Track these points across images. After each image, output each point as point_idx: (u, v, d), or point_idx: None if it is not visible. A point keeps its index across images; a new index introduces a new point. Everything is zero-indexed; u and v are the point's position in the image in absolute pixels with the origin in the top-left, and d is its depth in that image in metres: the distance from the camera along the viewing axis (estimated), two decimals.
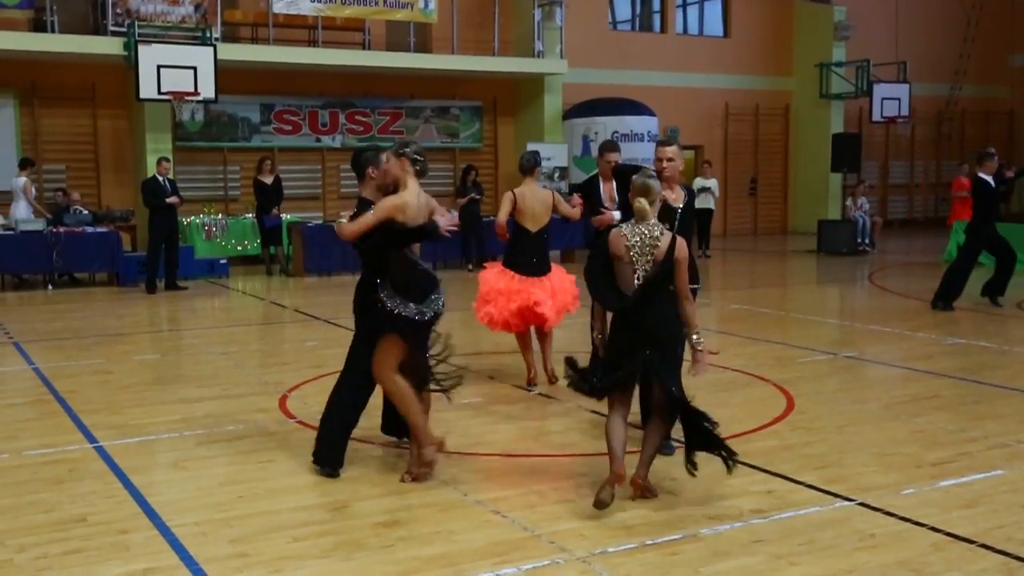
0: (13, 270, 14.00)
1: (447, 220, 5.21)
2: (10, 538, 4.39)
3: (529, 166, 7.45)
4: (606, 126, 18.96)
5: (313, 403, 6.90)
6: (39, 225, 14.02)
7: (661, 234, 4.73)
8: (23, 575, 3.99)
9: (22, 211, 14.61)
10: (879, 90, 22.06)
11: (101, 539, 4.38)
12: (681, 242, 4.78)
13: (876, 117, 22.24)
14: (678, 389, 4.78)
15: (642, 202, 4.75)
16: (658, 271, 4.69)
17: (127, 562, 4.12)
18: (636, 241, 4.73)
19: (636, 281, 4.73)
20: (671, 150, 5.60)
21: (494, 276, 7.39)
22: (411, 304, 5.05)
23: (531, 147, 16.51)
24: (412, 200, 5.08)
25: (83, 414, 6.64)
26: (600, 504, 4.52)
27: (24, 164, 15.01)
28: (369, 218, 5.06)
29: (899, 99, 22.10)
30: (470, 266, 16.00)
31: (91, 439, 6.03)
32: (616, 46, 21.72)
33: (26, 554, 4.20)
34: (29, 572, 4.02)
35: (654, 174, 4.91)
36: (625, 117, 19.24)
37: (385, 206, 5.06)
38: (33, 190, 14.94)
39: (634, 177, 4.84)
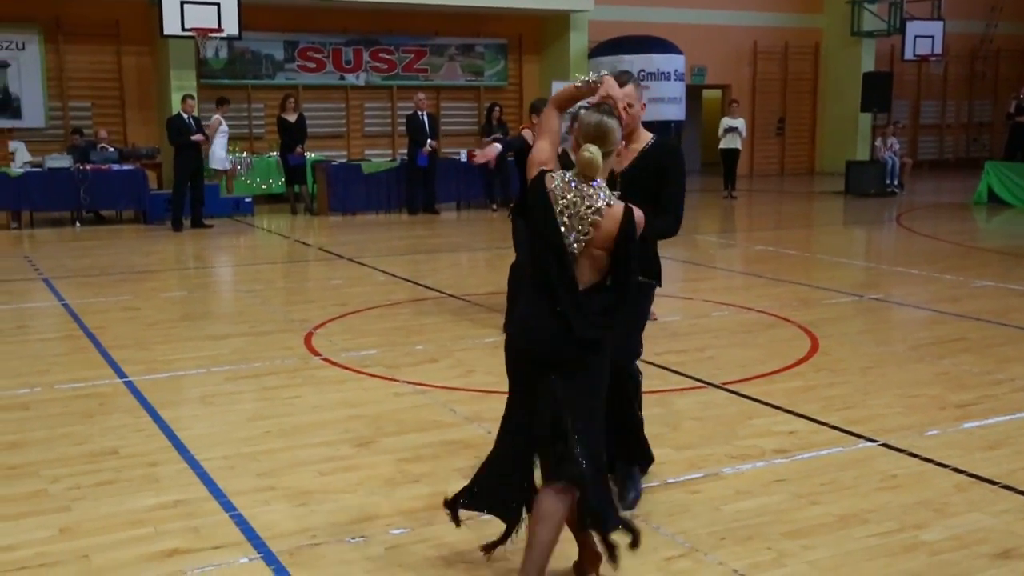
0: (42, 207, 14.09)
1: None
2: (44, 469, 4.48)
3: (542, 106, 7.37)
4: (632, 64, 18.69)
5: (338, 340, 6.97)
6: (66, 162, 14.07)
7: (609, 205, 3.15)
8: (57, 504, 4.08)
9: (218, 150, 15.07)
10: (912, 27, 21.61)
11: (132, 471, 4.47)
12: (639, 214, 3.20)
13: (908, 55, 21.82)
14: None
15: (592, 151, 3.16)
16: (629, 265, 3.17)
17: (158, 494, 4.20)
18: (570, 200, 3.17)
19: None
20: (627, 92, 3.77)
21: None
22: None
23: (556, 86, 16.35)
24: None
25: (112, 349, 6.73)
26: None
27: (220, 102, 15.47)
28: None
29: (932, 37, 21.65)
30: (494, 206, 15.96)
31: (120, 374, 6.12)
32: None
33: (59, 484, 4.30)
34: (63, 502, 4.11)
35: (611, 110, 3.28)
36: (652, 55, 18.95)
37: None
38: (223, 127, 15.27)
39: (583, 111, 3.28)
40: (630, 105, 3.81)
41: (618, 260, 3.17)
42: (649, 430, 4.36)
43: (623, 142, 3.47)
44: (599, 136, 3.20)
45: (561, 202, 3.17)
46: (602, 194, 3.17)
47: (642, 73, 18.73)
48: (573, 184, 3.18)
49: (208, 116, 15.37)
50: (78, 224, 14.15)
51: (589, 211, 3.14)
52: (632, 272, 3.20)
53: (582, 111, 3.29)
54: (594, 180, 3.19)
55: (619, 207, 3.16)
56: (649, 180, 3.93)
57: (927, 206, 16.72)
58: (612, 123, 3.23)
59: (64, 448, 4.77)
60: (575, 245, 3.16)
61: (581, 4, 18.88)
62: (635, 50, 18.97)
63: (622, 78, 3.84)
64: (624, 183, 3.88)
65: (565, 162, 4.46)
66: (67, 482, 4.33)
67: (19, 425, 5.13)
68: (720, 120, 18.23)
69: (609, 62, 18.40)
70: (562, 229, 3.16)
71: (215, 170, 15.37)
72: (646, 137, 4.05)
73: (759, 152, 23.49)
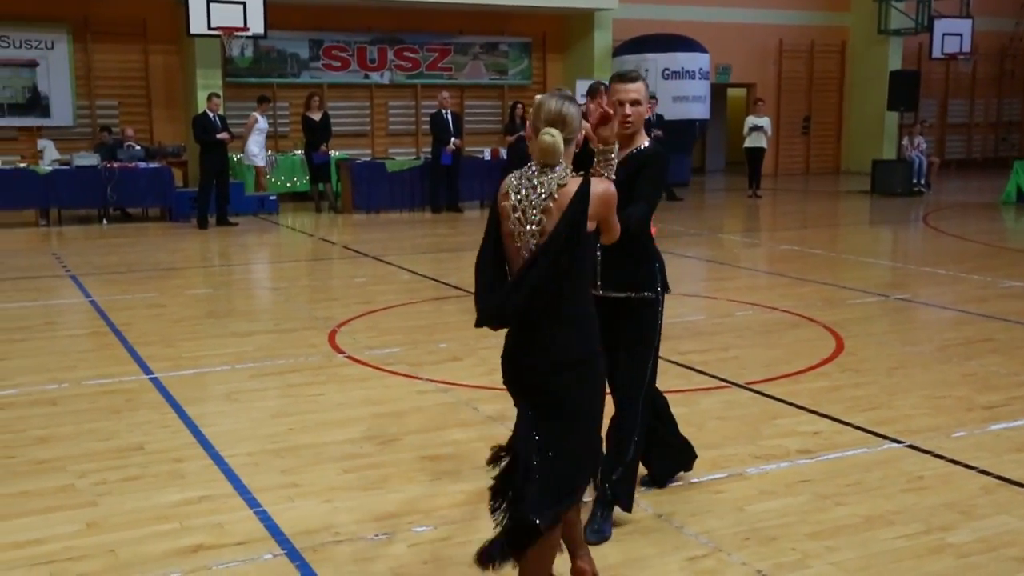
0: (69, 204, 14.22)
1: None
2: (72, 464, 4.53)
3: (599, 89, 7.35)
4: (657, 63, 18.67)
5: (362, 338, 7.00)
6: (93, 160, 14.20)
7: (562, 185, 2.87)
8: (84, 499, 4.12)
9: (251, 146, 15.19)
10: (940, 25, 21.42)
11: (158, 467, 4.50)
12: (601, 183, 2.95)
13: (936, 54, 21.63)
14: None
15: (552, 134, 2.87)
16: (553, 235, 2.83)
17: (183, 489, 4.23)
18: (523, 194, 2.91)
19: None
20: (636, 88, 3.74)
21: None
22: None
23: (580, 84, 16.34)
24: None
25: (138, 346, 6.78)
26: None
27: (260, 100, 15.63)
28: None
29: (961, 35, 21.45)
30: None
31: (146, 370, 6.17)
32: None
33: (87, 479, 4.34)
34: (90, 496, 4.15)
35: (571, 96, 3.01)
36: (676, 54, 18.91)
37: None
38: (260, 124, 15.37)
39: (542, 97, 3.01)
40: (637, 103, 3.72)
41: (550, 237, 2.83)
42: None
43: (616, 145, 3.30)
44: (560, 121, 2.90)
45: (514, 198, 2.91)
46: (555, 179, 2.87)
47: (667, 71, 18.69)
48: (525, 176, 2.94)
49: (234, 115, 15.47)
50: (105, 222, 14.28)
51: (540, 198, 2.87)
52: (548, 253, 2.81)
53: (539, 97, 3.02)
54: (555, 167, 2.90)
55: (573, 184, 2.86)
56: (631, 184, 3.65)
57: (954, 205, 16.57)
58: (572, 109, 2.95)
59: (91, 444, 4.82)
60: (531, 242, 2.88)
61: (605, 2, 18.85)
62: (659, 48, 18.94)
63: (631, 75, 3.79)
64: (630, 181, 3.67)
65: (521, 153, 4.27)
66: (94, 477, 4.37)
67: (47, 420, 5.19)
68: (745, 119, 18.15)
69: (634, 60, 18.38)
70: (513, 228, 2.91)
71: (250, 165, 15.47)
72: (643, 142, 3.82)
73: (784, 151, 23.36)
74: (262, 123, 15.35)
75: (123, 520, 3.91)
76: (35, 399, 5.58)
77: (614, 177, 3.23)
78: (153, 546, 3.67)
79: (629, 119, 3.72)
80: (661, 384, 4.21)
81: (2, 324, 7.62)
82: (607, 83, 4.09)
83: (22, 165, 14.36)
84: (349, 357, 6.50)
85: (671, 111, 17.79)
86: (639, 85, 3.76)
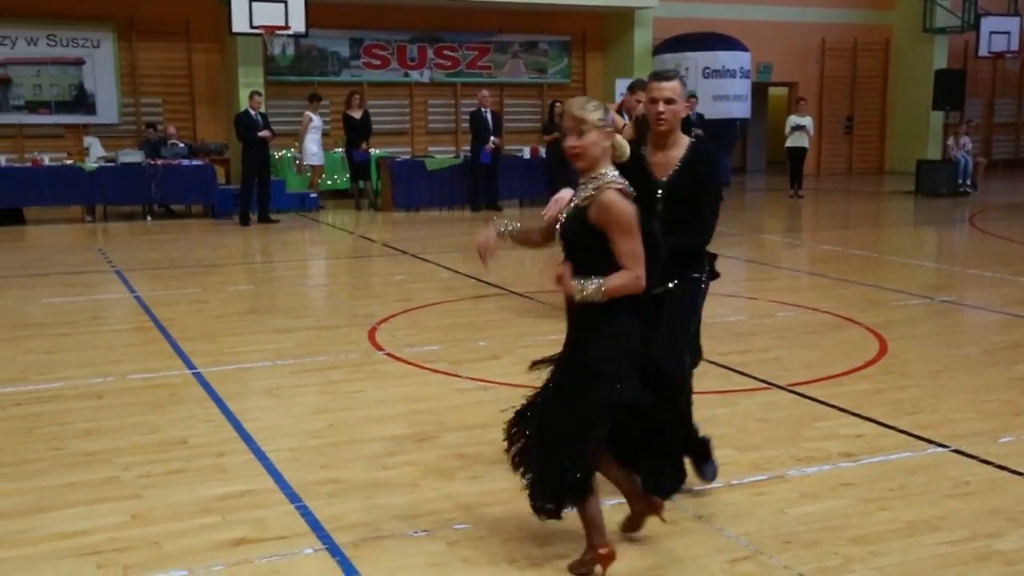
0: (114, 201, 14.43)
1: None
2: (116, 456, 4.59)
3: (640, 86, 7.35)
4: (697, 62, 18.56)
5: (401, 336, 7.03)
6: (138, 157, 14.40)
7: (595, 191, 3.19)
8: (129, 491, 4.18)
9: (311, 145, 15.31)
10: (987, 23, 21.09)
11: (200, 461, 4.55)
12: (613, 196, 3.14)
13: (983, 52, 21.30)
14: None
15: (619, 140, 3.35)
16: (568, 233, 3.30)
17: (225, 483, 4.27)
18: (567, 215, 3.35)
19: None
20: (671, 87, 3.79)
21: None
22: None
23: (620, 83, 16.29)
24: None
25: (181, 341, 6.87)
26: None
27: (312, 98, 15.76)
28: None
29: (1009, 32, 21.10)
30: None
31: (189, 365, 6.24)
32: None
33: (131, 472, 4.40)
34: (134, 488, 4.21)
35: (595, 100, 3.25)
36: (717, 52, 18.79)
37: None
38: (315, 123, 15.47)
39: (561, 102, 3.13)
40: (671, 101, 3.77)
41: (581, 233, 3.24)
42: (713, 430, 4.32)
43: (655, 145, 3.57)
44: (579, 124, 3.19)
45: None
46: (594, 184, 3.20)
47: (707, 70, 18.57)
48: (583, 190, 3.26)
49: (275, 113, 15.59)
50: (149, 218, 14.47)
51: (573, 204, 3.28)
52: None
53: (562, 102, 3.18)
54: (593, 174, 3.24)
55: (603, 196, 3.16)
56: (690, 192, 3.80)
57: (1001, 207, 16.30)
58: (594, 113, 3.21)
59: (135, 437, 4.88)
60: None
61: (646, 1, 18.77)
62: (700, 47, 18.83)
63: (667, 74, 3.85)
64: (665, 195, 3.78)
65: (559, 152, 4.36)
66: (138, 470, 4.43)
67: (93, 413, 5.26)
68: (787, 118, 17.99)
69: (673, 59, 18.29)
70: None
71: (310, 166, 15.56)
72: (684, 142, 3.88)
73: (827, 151, 23.13)
74: (317, 121, 15.46)
75: (167, 513, 3.96)
76: (81, 392, 5.67)
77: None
78: (196, 539, 3.72)
79: (663, 116, 3.78)
80: (700, 384, 4.18)
81: (49, 318, 7.75)
82: (646, 79, 4.10)
83: (69, 162, 14.60)
84: (389, 354, 6.53)
85: (712, 110, 17.68)
86: (674, 84, 3.80)
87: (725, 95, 18.57)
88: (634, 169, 3.34)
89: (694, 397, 4.12)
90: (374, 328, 7.29)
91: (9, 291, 9.11)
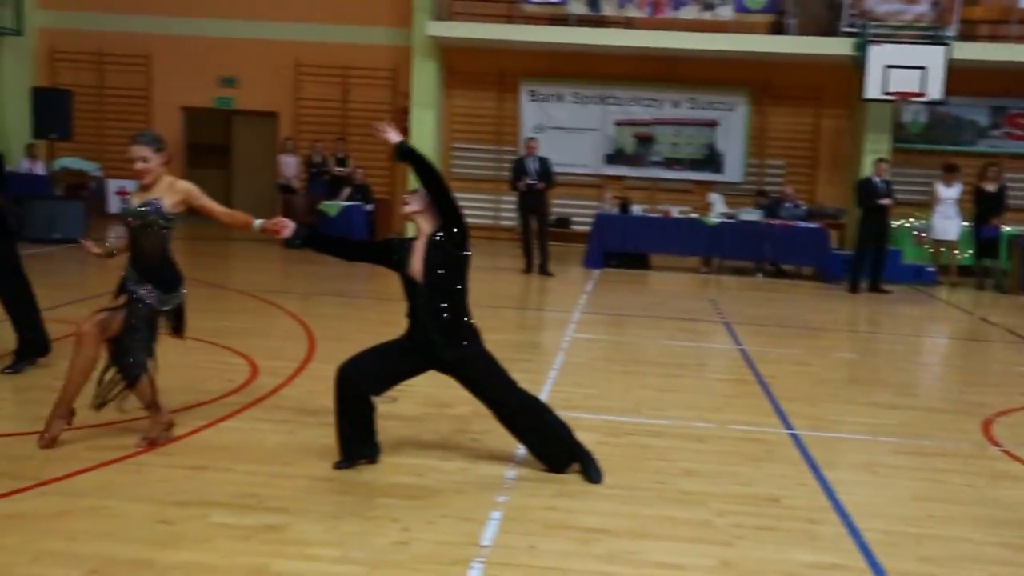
0: (730, 255, 15.16)
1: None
2: (712, 501, 4.78)
3: None
4: None
5: (1022, 432, 6.33)
6: (756, 216, 14.96)
7: None
8: (721, 537, 4.31)
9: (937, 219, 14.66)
10: None
11: (791, 523, 4.54)
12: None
13: None
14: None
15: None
16: None
17: (815, 552, 4.20)
18: None
19: None
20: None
21: None
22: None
23: None
24: None
25: (781, 400, 6.94)
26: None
27: (948, 169, 14.79)
28: None
29: None
30: None
31: (787, 425, 6.27)
32: None
33: (724, 519, 4.54)
34: (726, 536, 4.33)
35: None
36: None
37: None
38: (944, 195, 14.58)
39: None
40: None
41: None
42: None
43: None
44: None
45: None
46: None
47: None
48: None
49: (900, 181, 15.08)
50: (760, 275, 14.92)
51: None
52: None
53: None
54: None
55: None
56: None
57: None
58: None
59: (731, 486, 5.03)
60: None
61: None
62: None
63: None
64: None
65: None
66: (731, 519, 4.55)
67: (694, 455, 5.54)
68: None
69: None
70: None
71: (938, 240, 14.74)
72: None
73: None
74: (946, 193, 14.50)
75: (754, 567, 4.01)
76: (684, 433, 6.00)
77: None
78: None
79: None
80: None
81: (663, 358, 8.36)
82: None
83: (694, 215, 15.67)
84: (1005, 451, 5.91)
85: None
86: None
87: None
88: None
89: None
90: (989, 420, 6.66)
91: (632, 328, 10.02)
